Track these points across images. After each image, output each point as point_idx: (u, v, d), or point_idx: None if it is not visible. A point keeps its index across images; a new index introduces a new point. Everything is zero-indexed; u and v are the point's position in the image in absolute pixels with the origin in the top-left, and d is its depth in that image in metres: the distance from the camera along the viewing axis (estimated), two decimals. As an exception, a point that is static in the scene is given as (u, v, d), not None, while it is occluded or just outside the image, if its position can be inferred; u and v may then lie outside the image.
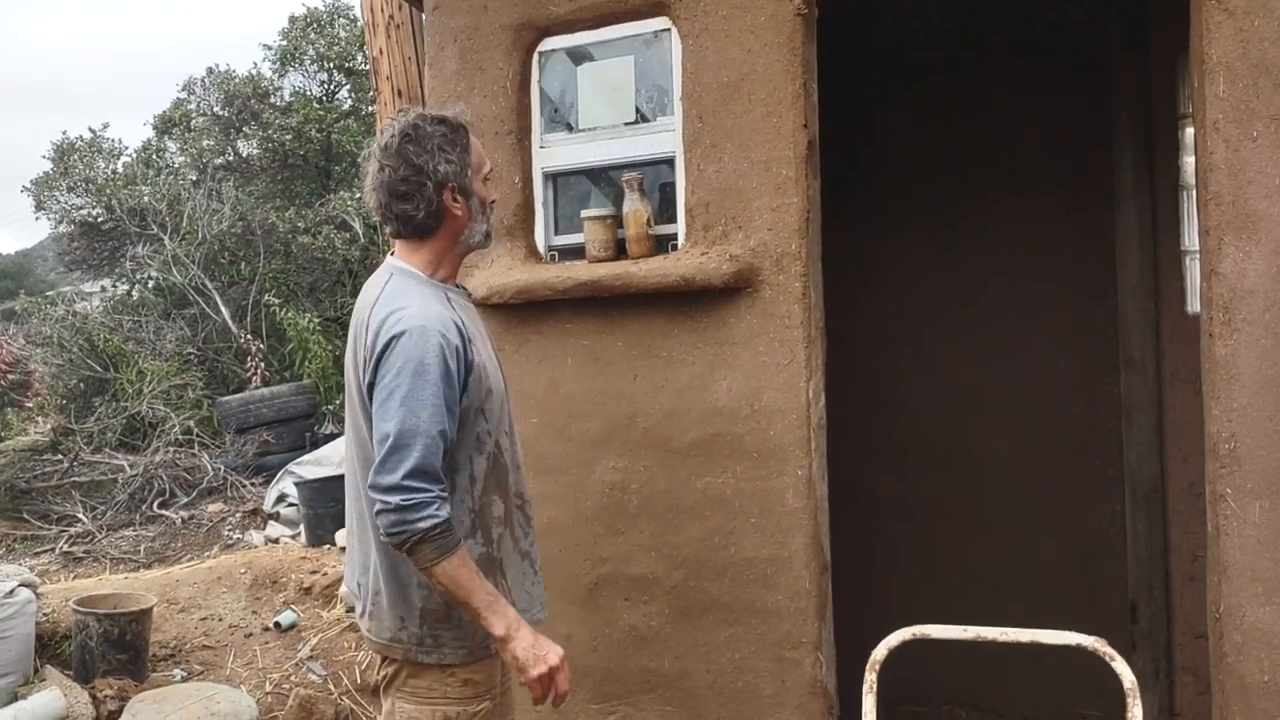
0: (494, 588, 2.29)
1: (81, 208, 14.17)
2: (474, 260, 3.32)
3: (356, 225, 12.18)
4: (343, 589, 2.50)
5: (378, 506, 2.17)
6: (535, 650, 2.27)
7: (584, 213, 3.23)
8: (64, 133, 15.03)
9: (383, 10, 5.68)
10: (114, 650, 4.60)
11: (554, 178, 3.36)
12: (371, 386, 2.25)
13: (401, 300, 2.29)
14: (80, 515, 8.86)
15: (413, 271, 2.39)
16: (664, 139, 3.16)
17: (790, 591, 2.96)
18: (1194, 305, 3.88)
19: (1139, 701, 2.09)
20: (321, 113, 13.79)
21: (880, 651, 2.25)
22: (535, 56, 3.34)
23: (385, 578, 2.35)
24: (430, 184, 2.33)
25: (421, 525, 2.14)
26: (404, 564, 2.29)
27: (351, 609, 5.20)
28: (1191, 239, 3.90)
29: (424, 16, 3.58)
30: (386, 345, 2.22)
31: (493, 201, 2.49)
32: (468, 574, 2.21)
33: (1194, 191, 3.29)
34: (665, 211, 3.19)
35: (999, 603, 4.14)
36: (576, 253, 3.29)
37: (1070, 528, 4.23)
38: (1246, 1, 2.49)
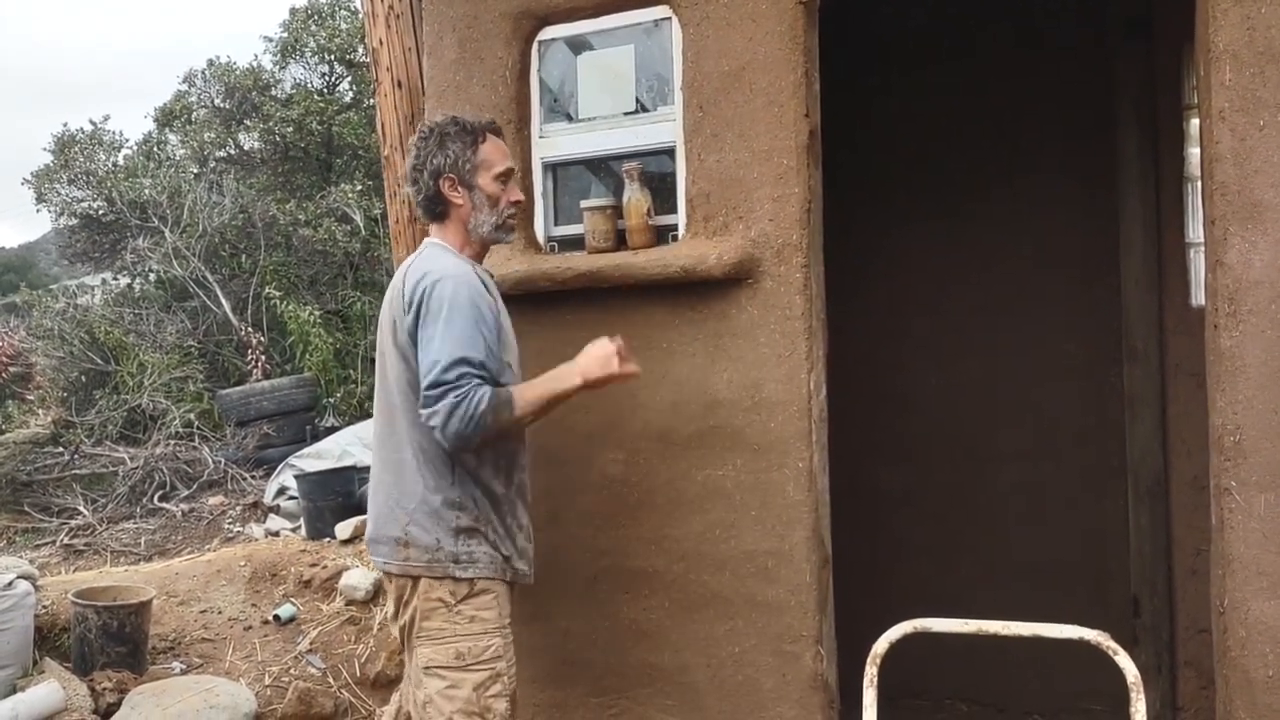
0: (535, 385, 2.63)
1: (82, 200, 14.14)
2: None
3: (357, 218, 12.15)
4: (367, 536, 2.84)
5: (439, 423, 2.48)
6: (600, 367, 2.63)
7: (583, 203, 3.20)
8: (64, 125, 15.04)
9: (382, 0, 5.64)
10: (113, 643, 4.59)
11: (554, 168, 3.34)
12: (413, 338, 2.59)
13: (435, 263, 2.66)
14: (81, 508, 8.85)
15: (443, 245, 2.76)
16: (664, 129, 3.14)
17: (791, 585, 2.94)
18: (1198, 298, 3.86)
19: (1142, 696, 2.07)
20: (322, 105, 13.75)
21: (881, 645, 2.23)
22: (535, 45, 3.31)
23: (411, 504, 2.64)
24: (426, 172, 2.73)
25: (481, 407, 2.46)
26: (434, 491, 2.62)
27: (351, 601, 5.19)
28: (1196, 231, 3.88)
29: (423, 5, 3.55)
30: (424, 295, 2.56)
31: (514, 201, 2.79)
32: (532, 394, 2.60)
33: (1199, 183, 3.27)
34: (666, 202, 3.17)
35: (1002, 595, 4.12)
36: (576, 243, 3.26)
37: (1074, 520, 4.22)
38: (1253, -11, 2.46)
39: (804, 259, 2.90)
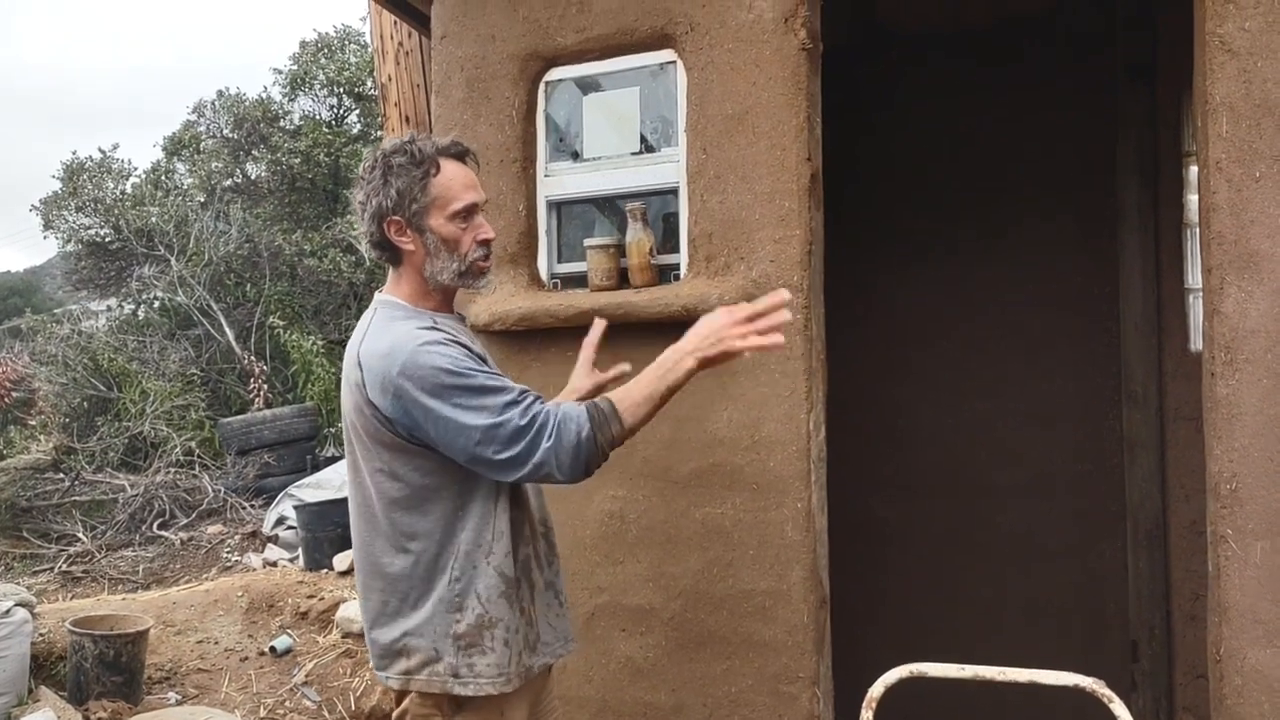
0: (643, 380, 2.21)
1: (90, 227, 14.24)
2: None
3: (362, 249, 12.21)
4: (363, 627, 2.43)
5: (546, 470, 2.10)
6: (719, 341, 2.17)
7: (587, 241, 3.23)
8: (74, 153, 15.15)
9: (392, 37, 5.71)
10: (109, 672, 4.59)
11: (558, 206, 3.37)
12: (419, 432, 2.17)
13: (384, 341, 2.22)
14: (80, 535, 8.85)
15: (395, 302, 2.34)
16: (668, 169, 3.17)
17: (788, 625, 2.94)
18: (1196, 343, 3.88)
19: (1138, 743, 2.07)
20: (330, 137, 13.87)
21: (877, 689, 2.23)
22: (542, 86, 3.36)
23: (406, 624, 2.25)
24: (367, 214, 2.30)
25: (583, 432, 2.10)
26: (429, 589, 2.23)
27: (348, 634, 5.18)
28: (1195, 277, 3.90)
29: (432, 44, 3.60)
30: (399, 396, 2.14)
31: (481, 240, 2.33)
32: (639, 393, 2.18)
33: (1197, 230, 3.30)
34: (668, 241, 3.20)
35: (1001, 636, 4.13)
36: (579, 281, 3.29)
37: (1072, 563, 4.22)
38: (1250, 42, 2.50)
39: (805, 300, 2.93)
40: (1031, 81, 4.24)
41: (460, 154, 2.35)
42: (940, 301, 4.39)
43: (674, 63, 3.15)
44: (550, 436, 2.08)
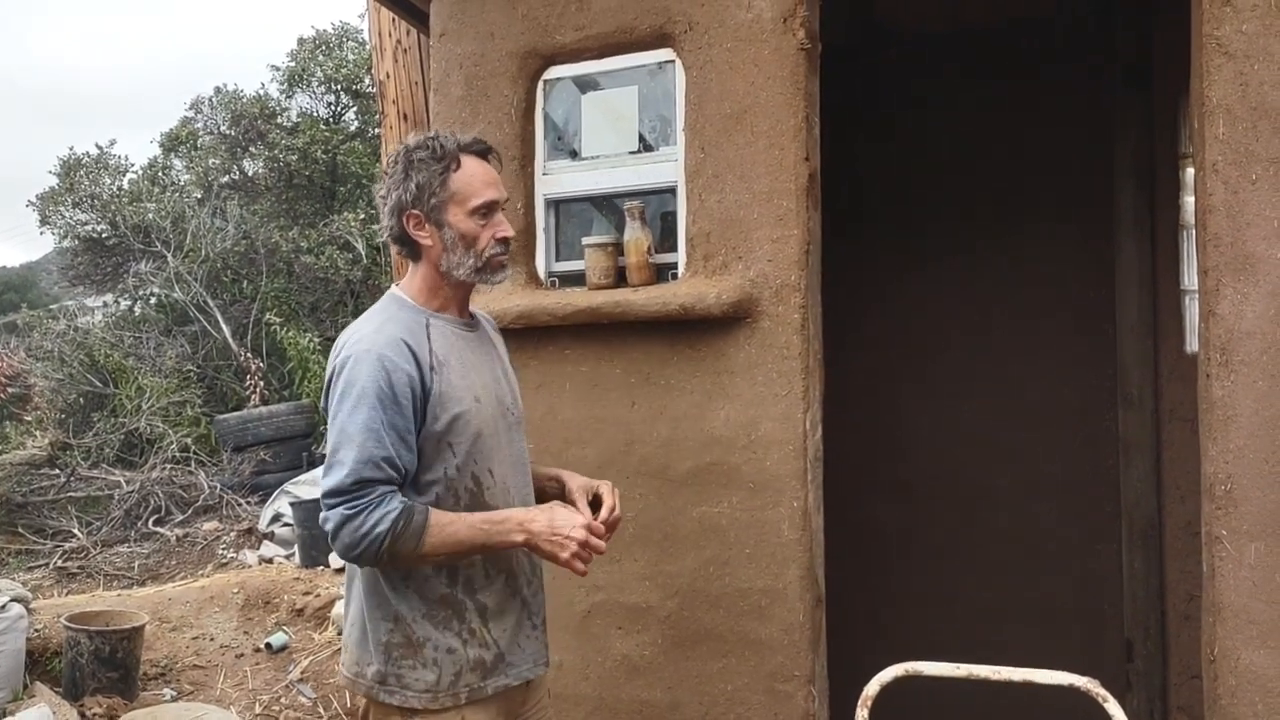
0: (468, 521, 2.19)
1: (86, 223, 14.22)
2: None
3: (359, 246, 12.22)
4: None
5: (330, 531, 2.12)
6: (554, 537, 2.18)
7: (585, 240, 3.24)
8: (71, 148, 15.09)
9: (390, 34, 5.72)
10: (104, 668, 4.59)
11: (556, 204, 3.37)
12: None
13: (360, 326, 2.30)
14: (75, 531, 8.85)
15: (399, 297, 2.37)
16: (666, 168, 3.17)
17: (784, 624, 2.94)
18: (1192, 345, 3.88)
19: (1132, 743, 2.08)
20: (328, 134, 13.86)
21: (872, 687, 2.23)
22: (540, 84, 3.36)
23: (353, 611, 2.30)
24: (388, 207, 2.33)
25: (379, 529, 2.07)
26: (369, 595, 2.26)
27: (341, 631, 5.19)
28: (1191, 278, 3.91)
29: (430, 42, 3.60)
30: (332, 373, 2.23)
31: (500, 238, 2.33)
32: (452, 531, 2.15)
33: (1193, 231, 3.31)
34: (666, 240, 3.20)
35: (997, 636, 4.13)
36: (577, 279, 3.29)
37: (1069, 564, 4.23)
38: (1247, 45, 2.51)
39: (802, 299, 2.93)
40: (1029, 82, 4.25)
41: (482, 151, 2.37)
42: (937, 303, 4.40)
43: (673, 62, 3.15)
44: (354, 509, 2.09)
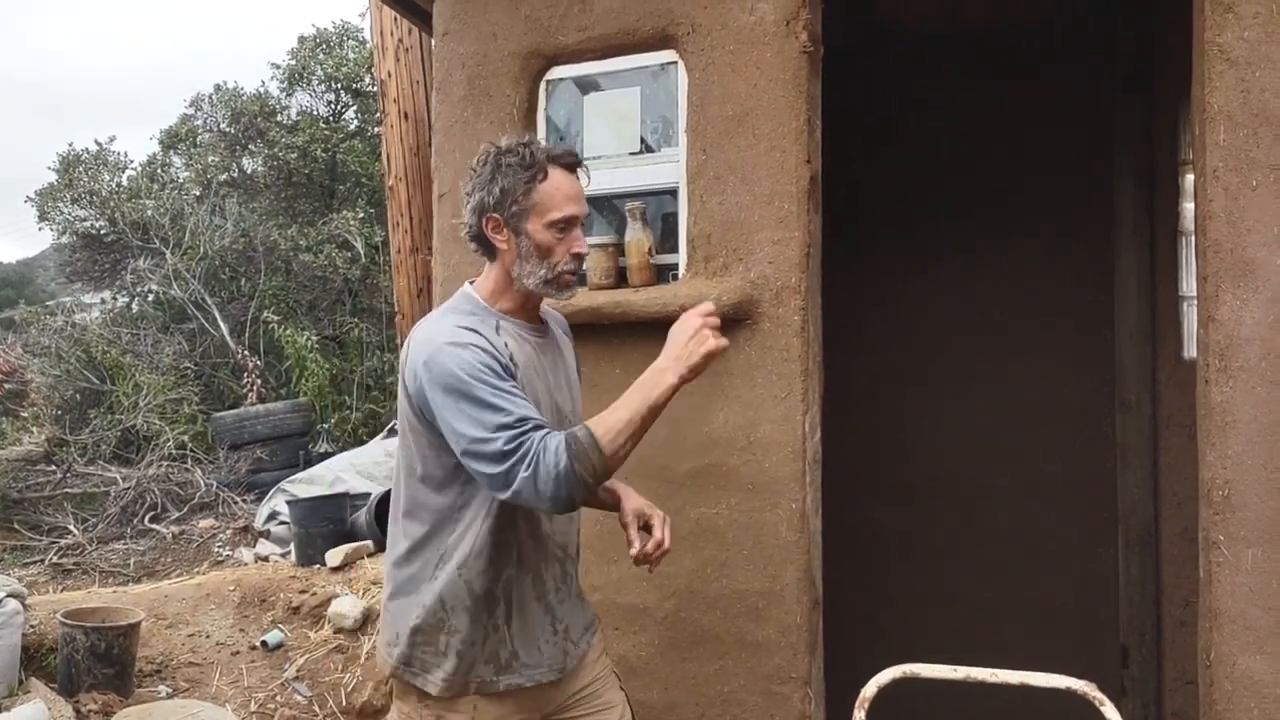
0: (622, 403, 2.17)
1: (85, 219, 14.19)
2: (475, 284, 3.33)
3: (358, 245, 12.20)
4: None
5: (525, 498, 2.10)
6: (690, 354, 2.17)
7: (586, 240, 3.23)
8: (70, 144, 15.07)
9: (392, 34, 5.73)
10: (100, 664, 4.57)
11: (557, 205, 3.37)
12: (423, 420, 2.25)
13: (437, 322, 2.33)
14: (71, 527, 8.83)
15: (468, 295, 2.40)
16: (668, 170, 3.18)
17: (781, 625, 2.95)
18: (1190, 351, 3.90)
19: (1128, 747, 2.08)
20: (328, 132, 13.83)
21: (870, 689, 2.24)
22: (543, 85, 3.37)
23: (388, 592, 2.37)
24: (469, 206, 2.34)
25: (561, 465, 2.06)
26: (405, 581, 2.31)
27: (340, 629, 5.18)
28: (1190, 285, 3.92)
29: (433, 41, 3.61)
30: (420, 383, 2.21)
31: (576, 253, 2.34)
32: (617, 418, 2.14)
33: (1192, 238, 3.31)
34: (667, 241, 3.21)
35: (997, 640, 4.13)
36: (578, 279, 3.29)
37: (1066, 567, 4.24)
38: (1249, 51, 2.52)
39: (802, 302, 2.94)
40: (1029, 83, 4.26)
41: (571, 164, 2.37)
42: (939, 305, 4.41)
43: (675, 63, 3.16)
44: (529, 467, 2.07)
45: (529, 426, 2.11)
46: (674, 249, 3.17)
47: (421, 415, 2.24)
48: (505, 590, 2.32)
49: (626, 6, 3.18)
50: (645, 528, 2.41)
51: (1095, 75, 4.16)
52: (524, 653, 2.35)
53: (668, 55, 3.17)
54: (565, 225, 2.32)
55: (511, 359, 2.26)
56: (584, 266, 3.19)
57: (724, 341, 2.19)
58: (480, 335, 2.23)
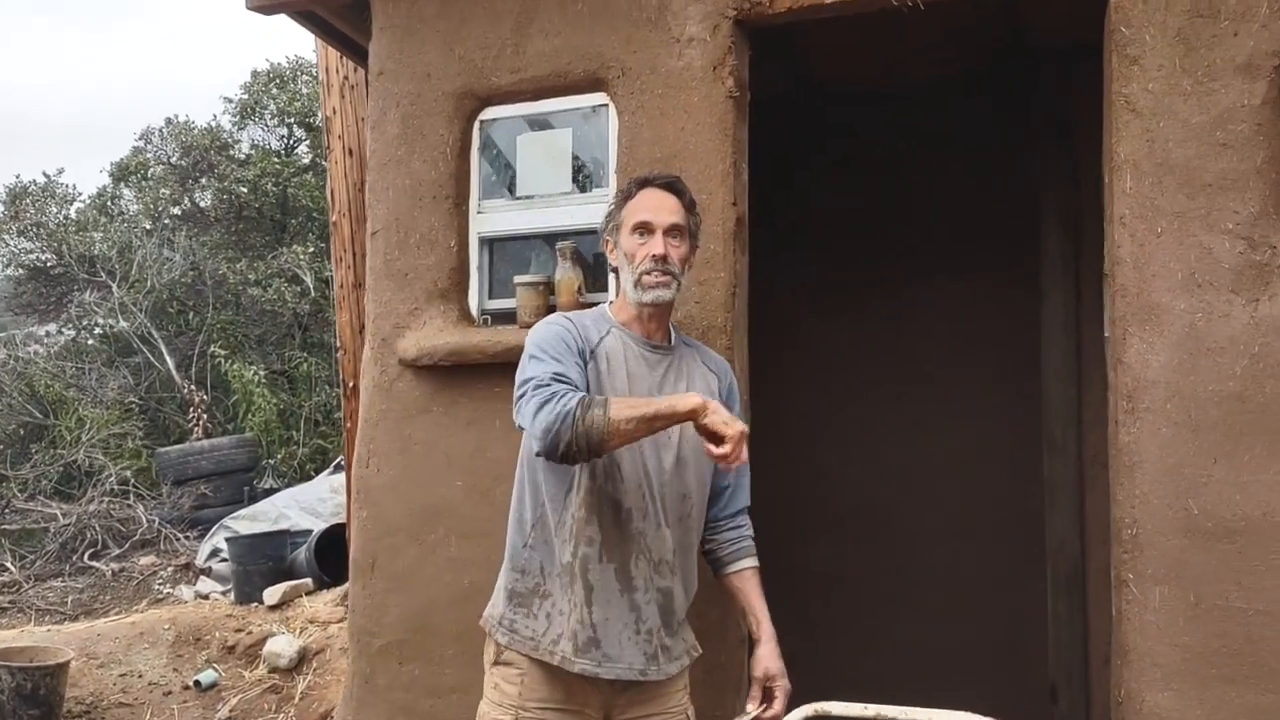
0: (648, 397, 2.38)
1: (31, 252, 14.03)
2: (405, 320, 3.34)
3: (308, 279, 12.16)
4: None
5: (524, 416, 2.32)
6: (722, 419, 2.24)
7: (516, 278, 3.26)
8: (17, 176, 14.92)
9: (338, 70, 5.73)
10: (26, 705, 4.50)
11: (490, 243, 3.41)
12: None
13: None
14: (8, 564, 8.66)
15: (600, 304, 2.71)
16: (599, 209, 3.20)
17: (706, 664, 2.94)
18: (1114, 391, 3.97)
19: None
20: (279, 166, 13.80)
21: (783, 727, 2.25)
22: (476, 124, 3.40)
23: (503, 553, 2.55)
24: (602, 232, 2.63)
25: (569, 405, 2.23)
26: (509, 546, 2.51)
27: (275, 669, 5.12)
28: (1112, 327, 4.00)
29: (369, 80, 3.64)
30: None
31: (656, 256, 2.45)
32: (631, 405, 2.28)
33: (1110, 282, 3.39)
34: (599, 279, 3.24)
35: (927, 678, 4.15)
36: (510, 317, 3.31)
37: (995, 606, 4.28)
38: (1153, 103, 2.60)
39: (728, 341, 2.98)
40: (959, 133, 4.36)
41: (664, 184, 2.55)
42: (868, 346, 4.47)
43: (606, 105, 3.21)
44: (541, 401, 2.27)
45: (560, 382, 2.32)
46: (605, 287, 3.20)
47: None
48: (583, 569, 2.41)
49: (559, 49, 3.22)
50: (767, 694, 2.54)
51: (1023, 123, 4.26)
52: (604, 641, 2.41)
53: (599, 98, 3.22)
54: (642, 230, 2.48)
55: (594, 347, 2.46)
56: (517, 304, 3.23)
57: (745, 429, 2.27)
58: (570, 320, 2.50)
